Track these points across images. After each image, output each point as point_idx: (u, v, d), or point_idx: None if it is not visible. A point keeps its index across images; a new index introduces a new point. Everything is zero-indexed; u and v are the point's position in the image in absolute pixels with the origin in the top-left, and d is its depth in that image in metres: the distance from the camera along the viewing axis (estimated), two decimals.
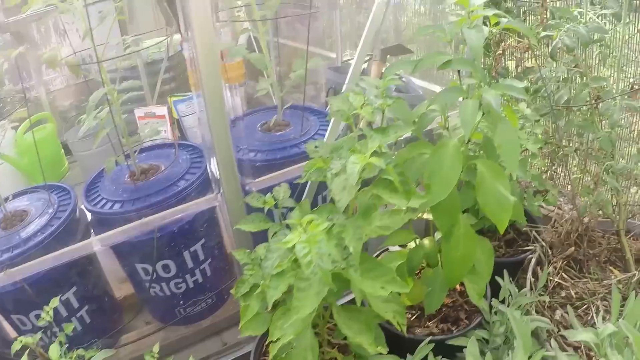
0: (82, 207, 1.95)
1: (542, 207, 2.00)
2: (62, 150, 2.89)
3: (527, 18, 2.22)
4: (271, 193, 1.48)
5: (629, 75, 2.11)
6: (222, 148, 1.52)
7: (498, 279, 1.72)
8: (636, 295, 1.84)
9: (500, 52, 2.08)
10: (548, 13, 1.86)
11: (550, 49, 1.71)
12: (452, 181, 1.32)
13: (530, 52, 2.08)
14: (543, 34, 1.73)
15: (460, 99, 1.34)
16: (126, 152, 1.86)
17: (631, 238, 2.03)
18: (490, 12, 1.33)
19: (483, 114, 1.31)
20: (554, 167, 2.20)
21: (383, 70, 1.42)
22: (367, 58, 2.57)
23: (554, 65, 1.88)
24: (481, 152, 1.52)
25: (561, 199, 2.23)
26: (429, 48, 2.85)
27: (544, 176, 2.21)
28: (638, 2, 1.99)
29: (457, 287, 1.86)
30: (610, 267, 1.96)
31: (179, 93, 2.76)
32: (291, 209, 1.41)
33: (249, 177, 1.91)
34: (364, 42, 1.82)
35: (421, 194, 1.25)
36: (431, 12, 2.65)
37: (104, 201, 1.85)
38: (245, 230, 1.45)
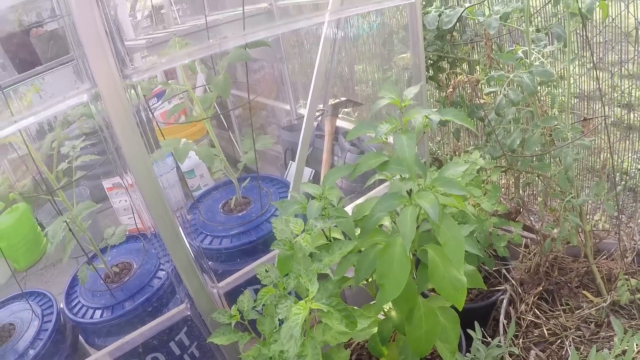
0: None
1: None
2: (39, 228, 3.02)
3: (475, 46, 2.28)
4: (236, 304, 1.61)
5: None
6: (178, 256, 1.64)
7: (470, 331, 1.87)
8: (609, 324, 2.02)
9: (451, 89, 2.15)
10: (492, 60, 1.92)
11: (495, 106, 1.79)
12: (402, 281, 1.44)
13: (480, 85, 2.16)
14: (487, 90, 1.81)
15: (400, 207, 1.44)
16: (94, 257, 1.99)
17: (602, 258, 2.16)
18: (422, 112, 1.42)
19: None
20: (519, 193, 2.31)
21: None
22: (319, 113, 2.67)
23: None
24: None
25: (532, 218, 2.35)
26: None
27: (509, 203, 2.33)
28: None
29: None
30: (584, 292, 2.10)
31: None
32: None
33: (221, 264, 2.05)
34: (315, 81, 1.88)
35: (368, 314, 1.38)
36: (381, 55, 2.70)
37: (84, 309, 1.99)
38: (218, 343, 1.60)
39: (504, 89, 1.76)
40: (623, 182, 2.28)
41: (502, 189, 2.50)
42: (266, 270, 1.47)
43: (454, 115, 1.44)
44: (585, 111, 2.29)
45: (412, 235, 1.35)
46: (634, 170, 2.52)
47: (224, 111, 1.99)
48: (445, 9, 2.00)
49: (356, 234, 1.59)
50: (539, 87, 1.88)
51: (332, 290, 1.38)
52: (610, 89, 2.26)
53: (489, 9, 2.11)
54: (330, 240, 1.59)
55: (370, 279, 1.76)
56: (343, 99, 2.56)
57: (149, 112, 1.88)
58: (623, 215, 2.65)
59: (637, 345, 1.63)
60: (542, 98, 1.98)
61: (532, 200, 2.52)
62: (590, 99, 2.34)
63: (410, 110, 1.41)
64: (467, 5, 1.99)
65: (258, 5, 2.73)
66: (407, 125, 1.41)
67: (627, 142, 2.42)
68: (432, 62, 2.30)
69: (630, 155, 2.44)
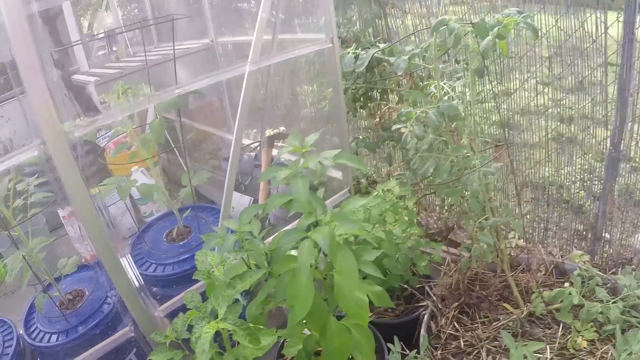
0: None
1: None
2: None
3: (400, 81, 2.60)
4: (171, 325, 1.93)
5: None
6: (120, 284, 1.94)
7: (390, 345, 2.19)
8: (523, 334, 2.32)
9: (378, 119, 2.47)
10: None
11: (401, 142, 2.10)
12: (308, 302, 1.73)
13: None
14: (395, 127, 2.12)
15: (300, 239, 1.76)
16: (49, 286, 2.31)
17: (519, 272, 2.48)
18: (317, 159, 1.73)
19: None
20: (447, 213, 2.63)
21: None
22: (257, 144, 2.99)
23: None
24: None
25: (463, 235, 2.66)
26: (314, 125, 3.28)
27: (440, 222, 2.65)
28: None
29: None
30: (504, 304, 2.41)
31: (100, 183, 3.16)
32: None
33: (163, 289, 2.36)
34: (240, 115, 2.18)
35: (271, 331, 1.70)
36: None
37: (42, 334, 2.29)
38: None
39: (410, 125, 2.08)
40: (555, 195, 2.60)
41: (436, 209, 2.82)
42: (191, 296, 1.79)
43: (348, 159, 1.75)
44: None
45: (309, 264, 1.66)
46: (568, 182, 2.86)
47: (171, 147, 2.31)
48: (362, 50, 2.32)
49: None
50: (451, 118, 2.19)
51: (239, 311, 1.68)
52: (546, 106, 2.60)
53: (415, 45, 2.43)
54: (250, 267, 1.90)
55: None
56: (282, 128, 2.88)
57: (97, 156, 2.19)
58: (557, 227, 2.99)
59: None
60: (455, 129, 2.30)
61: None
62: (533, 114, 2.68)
63: (308, 157, 1.73)
64: (381, 45, 2.31)
65: (202, 40, 3.06)
66: (305, 170, 1.73)
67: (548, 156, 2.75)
68: (362, 92, 2.62)
69: (549, 169, 2.77)
